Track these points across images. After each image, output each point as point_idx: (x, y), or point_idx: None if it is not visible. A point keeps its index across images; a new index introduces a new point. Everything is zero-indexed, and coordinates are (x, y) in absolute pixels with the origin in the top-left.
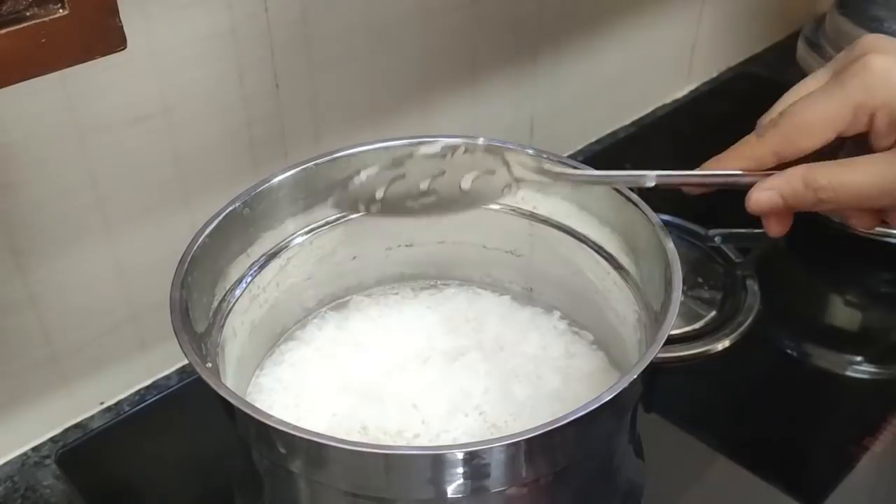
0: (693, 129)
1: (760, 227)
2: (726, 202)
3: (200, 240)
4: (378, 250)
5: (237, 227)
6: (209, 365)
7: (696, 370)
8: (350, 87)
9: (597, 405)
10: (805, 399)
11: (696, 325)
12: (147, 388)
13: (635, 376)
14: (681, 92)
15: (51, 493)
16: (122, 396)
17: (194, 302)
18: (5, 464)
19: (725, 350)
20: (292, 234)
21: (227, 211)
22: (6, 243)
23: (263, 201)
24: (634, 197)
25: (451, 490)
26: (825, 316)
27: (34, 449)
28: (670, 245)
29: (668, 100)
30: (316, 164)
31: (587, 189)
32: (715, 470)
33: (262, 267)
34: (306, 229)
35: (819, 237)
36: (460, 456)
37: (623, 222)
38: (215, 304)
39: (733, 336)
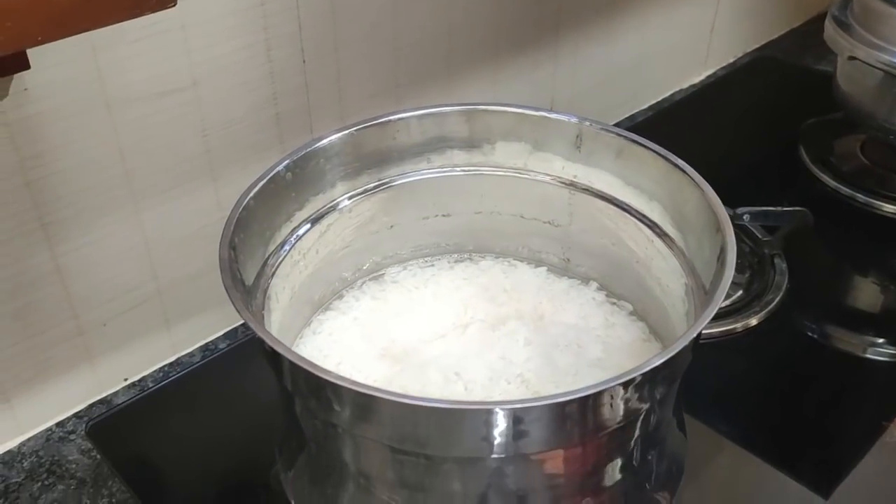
0: (710, 113)
1: (788, 205)
2: (752, 180)
3: (246, 201)
4: (415, 219)
5: (280, 191)
6: None
7: (723, 347)
8: (374, 63)
9: (659, 362)
10: (832, 379)
11: (722, 304)
12: (171, 364)
13: (694, 335)
14: (698, 77)
15: (76, 467)
16: (146, 373)
17: (241, 263)
18: (30, 438)
19: (754, 328)
20: (332, 201)
21: (272, 174)
22: (35, 214)
23: (306, 166)
24: (682, 163)
25: (502, 447)
26: (853, 295)
27: (59, 424)
28: (721, 208)
29: (686, 84)
30: (357, 130)
31: (631, 156)
32: (732, 454)
33: (303, 233)
34: (346, 196)
35: (844, 215)
36: (522, 412)
37: (669, 189)
38: (259, 267)
39: (761, 314)
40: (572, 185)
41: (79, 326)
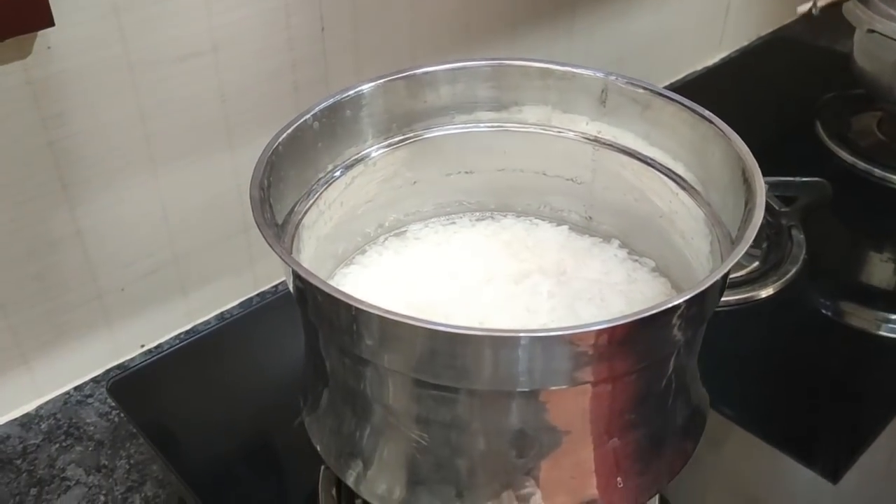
0: (725, 94)
1: (806, 175)
2: (769, 150)
3: (275, 146)
4: (438, 175)
5: (308, 139)
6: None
7: (737, 315)
8: (392, 34)
9: (692, 294)
10: (844, 356)
11: (739, 274)
12: (187, 332)
13: (726, 270)
14: (712, 59)
15: (94, 430)
16: (162, 339)
17: (271, 206)
18: (48, 401)
19: (769, 298)
20: (358, 153)
21: (300, 122)
22: (56, 175)
23: (333, 116)
24: (708, 114)
25: (530, 380)
26: (869, 270)
27: (77, 388)
28: (749, 155)
29: (700, 66)
30: (385, 82)
31: (657, 110)
32: (737, 436)
33: (329, 183)
34: (371, 149)
35: (861, 190)
36: (552, 341)
37: (695, 141)
38: (286, 214)
39: (778, 284)
40: (596, 140)
41: (98, 290)
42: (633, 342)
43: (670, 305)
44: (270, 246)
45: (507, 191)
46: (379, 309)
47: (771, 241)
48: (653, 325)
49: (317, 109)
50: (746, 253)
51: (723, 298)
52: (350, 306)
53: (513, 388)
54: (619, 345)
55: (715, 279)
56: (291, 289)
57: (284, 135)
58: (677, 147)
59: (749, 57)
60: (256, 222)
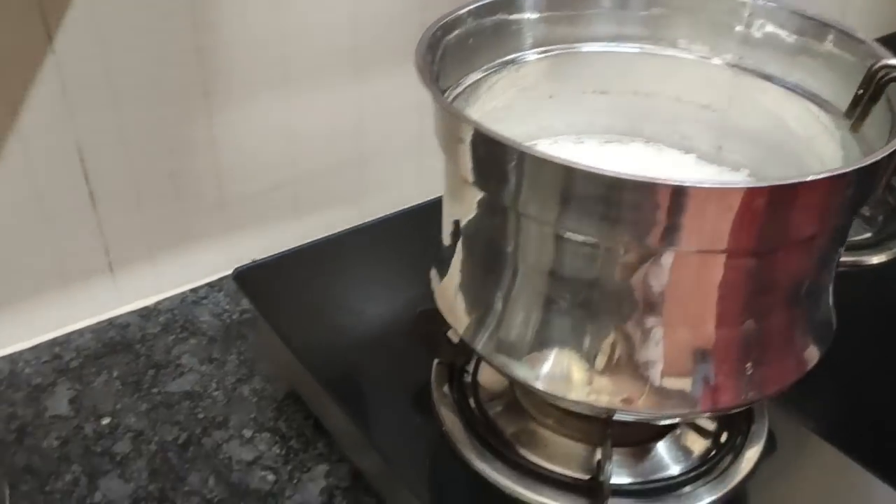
0: None
1: None
2: None
3: (434, 31)
4: (574, 93)
5: (459, 34)
6: None
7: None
8: None
9: (856, 167)
10: None
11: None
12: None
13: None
14: None
15: (207, 327)
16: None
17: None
18: (167, 298)
19: (881, 264)
20: (504, 57)
21: (453, 15)
22: (201, 82)
23: (487, 15)
24: (861, 35)
25: (691, 236)
26: None
27: (193, 290)
28: None
29: None
30: None
31: (802, 34)
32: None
33: (472, 81)
34: (518, 54)
35: None
36: (720, 194)
37: (840, 65)
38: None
39: (891, 252)
40: (737, 66)
41: (221, 198)
42: (781, 211)
43: (833, 174)
44: (428, 88)
45: (639, 115)
46: (529, 149)
47: (887, 217)
48: (810, 193)
49: (472, 6)
50: (859, 223)
51: None
52: (502, 144)
53: (654, 244)
54: (768, 210)
55: (886, 153)
56: (439, 138)
57: (442, 22)
58: (823, 71)
59: None
60: (418, 68)
